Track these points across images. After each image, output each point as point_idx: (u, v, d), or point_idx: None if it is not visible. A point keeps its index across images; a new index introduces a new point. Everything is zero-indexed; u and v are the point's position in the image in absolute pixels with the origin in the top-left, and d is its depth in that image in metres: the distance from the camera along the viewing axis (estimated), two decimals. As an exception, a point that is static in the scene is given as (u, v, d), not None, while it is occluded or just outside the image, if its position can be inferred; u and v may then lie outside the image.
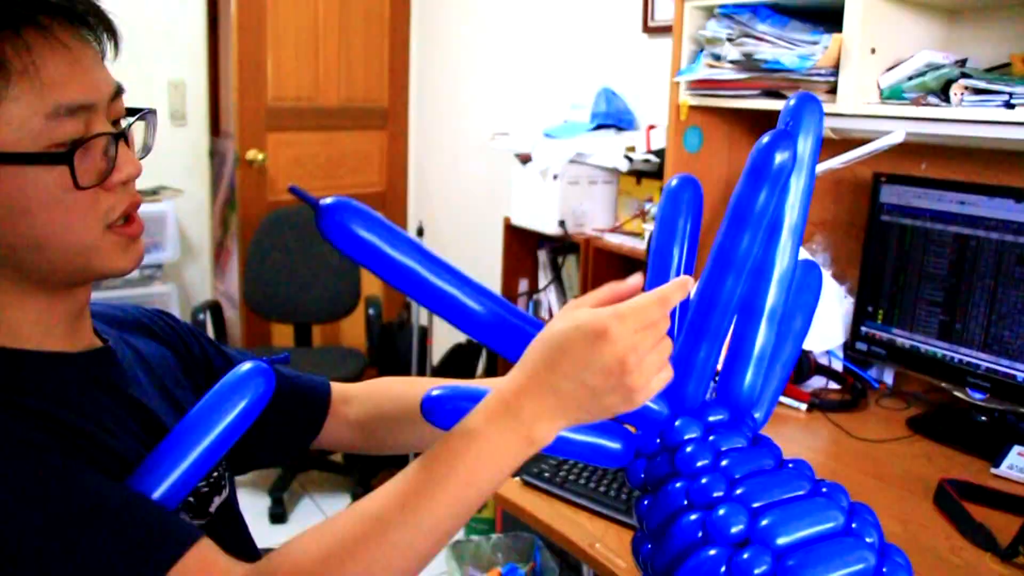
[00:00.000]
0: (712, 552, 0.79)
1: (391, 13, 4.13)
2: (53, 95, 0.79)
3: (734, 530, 0.79)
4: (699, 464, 0.85)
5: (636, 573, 1.45)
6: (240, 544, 1.05)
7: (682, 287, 0.80)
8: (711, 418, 0.90)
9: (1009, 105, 1.58)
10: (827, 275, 2.08)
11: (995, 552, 1.30)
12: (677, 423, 0.88)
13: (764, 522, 0.79)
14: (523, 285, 3.16)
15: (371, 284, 3.69)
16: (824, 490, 0.86)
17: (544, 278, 3.11)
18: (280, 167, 3.93)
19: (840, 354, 2.01)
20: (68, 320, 0.90)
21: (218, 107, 4.01)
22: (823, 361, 1.99)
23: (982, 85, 1.63)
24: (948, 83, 1.69)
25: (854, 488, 1.50)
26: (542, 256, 3.10)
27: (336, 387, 1.21)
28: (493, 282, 3.26)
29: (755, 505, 0.81)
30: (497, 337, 0.85)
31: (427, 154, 4.21)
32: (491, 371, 3.29)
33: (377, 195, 4.26)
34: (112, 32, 0.87)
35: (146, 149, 0.93)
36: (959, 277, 1.77)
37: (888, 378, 2.03)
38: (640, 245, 2.58)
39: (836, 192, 2.16)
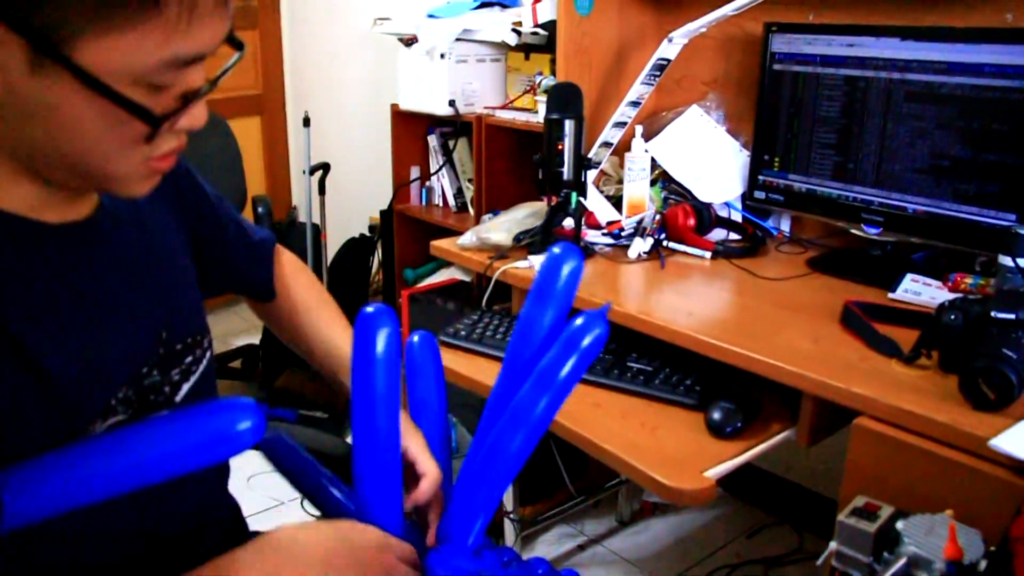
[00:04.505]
0: None
1: (256, -98, 3.94)
2: (179, 43, 0.70)
3: None
4: None
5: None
6: None
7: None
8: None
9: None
10: (722, 131, 2.12)
11: (900, 357, 1.37)
12: None
13: None
14: (414, 172, 3.12)
15: (256, 183, 3.58)
16: None
17: (435, 163, 3.07)
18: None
19: (739, 206, 2.06)
20: (63, 199, 0.82)
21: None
22: (723, 214, 2.04)
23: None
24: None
25: (766, 320, 1.56)
26: (432, 141, 3.06)
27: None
28: (384, 172, 3.21)
29: None
30: None
31: (303, 51, 4.07)
32: (387, 264, 3.26)
33: (253, 98, 4.12)
34: None
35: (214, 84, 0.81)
36: (851, 118, 1.82)
37: (785, 227, 2.09)
38: (533, 119, 2.57)
39: (726, 49, 2.18)
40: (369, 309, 0.93)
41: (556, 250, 0.92)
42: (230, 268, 1.16)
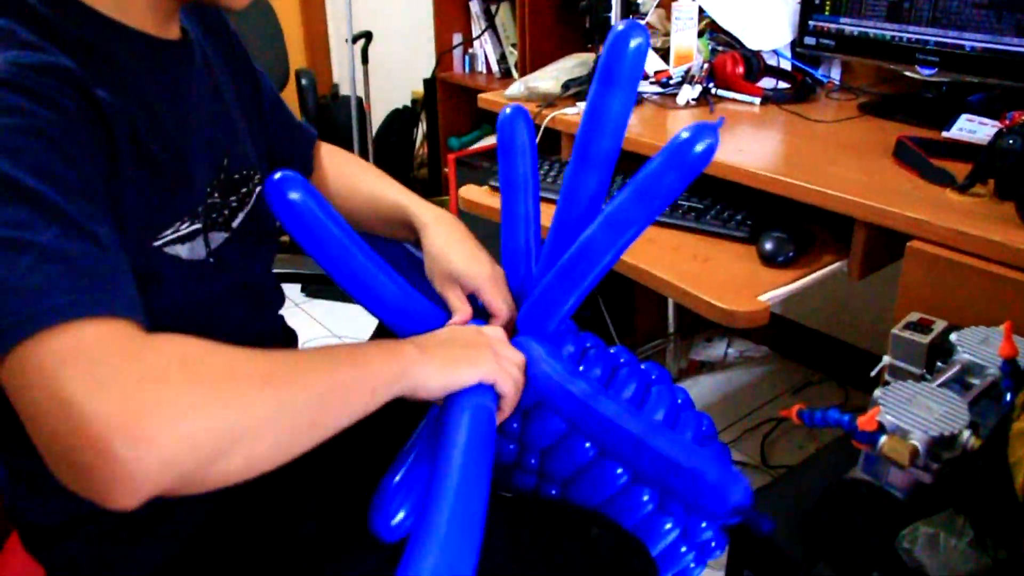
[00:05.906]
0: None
1: None
2: None
3: None
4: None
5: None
6: (260, 258, 1.06)
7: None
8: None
9: None
10: (772, -23, 2.07)
11: (954, 186, 1.36)
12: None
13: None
14: (457, 38, 3.09)
15: (298, 57, 3.57)
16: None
17: (477, 29, 3.04)
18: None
19: (788, 54, 2.03)
20: (163, 17, 0.89)
21: None
22: (771, 63, 2.01)
23: None
24: None
25: (817, 157, 1.56)
26: (474, 7, 3.02)
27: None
28: (426, 40, 3.18)
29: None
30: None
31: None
32: (432, 134, 3.26)
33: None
34: None
35: None
36: (907, -45, 1.77)
37: (835, 74, 2.06)
38: (578, -22, 2.52)
39: None
40: (507, 110, 1.01)
41: (620, 27, 0.85)
42: (267, 139, 1.16)
